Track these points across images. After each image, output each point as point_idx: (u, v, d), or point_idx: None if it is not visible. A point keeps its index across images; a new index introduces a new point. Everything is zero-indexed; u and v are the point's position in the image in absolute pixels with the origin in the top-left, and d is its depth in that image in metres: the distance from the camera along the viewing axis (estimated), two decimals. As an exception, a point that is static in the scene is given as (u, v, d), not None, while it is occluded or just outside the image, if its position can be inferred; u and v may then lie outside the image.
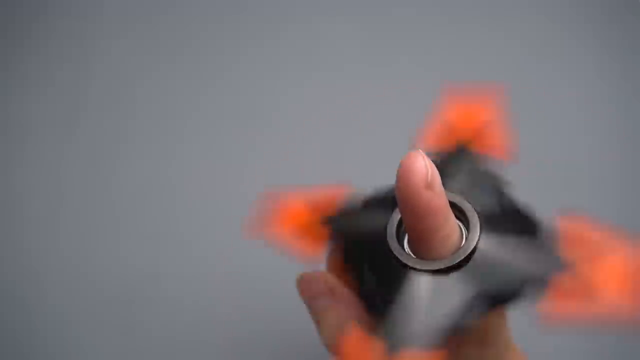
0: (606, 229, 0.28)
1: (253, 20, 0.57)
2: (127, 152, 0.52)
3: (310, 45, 0.55)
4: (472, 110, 0.32)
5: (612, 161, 0.49)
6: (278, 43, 0.56)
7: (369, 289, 0.29)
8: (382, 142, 0.51)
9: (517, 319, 0.42)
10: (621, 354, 0.43)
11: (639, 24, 0.54)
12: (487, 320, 0.29)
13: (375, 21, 0.56)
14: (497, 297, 0.27)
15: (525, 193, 0.47)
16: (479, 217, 0.28)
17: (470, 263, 0.28)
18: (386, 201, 0.30)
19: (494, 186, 0.30)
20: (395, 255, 0.28)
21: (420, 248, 0.28)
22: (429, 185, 0.26)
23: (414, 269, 0.28)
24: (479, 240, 0.28)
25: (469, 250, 0.27)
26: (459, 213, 0.29)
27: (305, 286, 0.32)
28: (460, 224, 0.29)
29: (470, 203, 0.29)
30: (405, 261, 0.28)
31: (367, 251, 0.29)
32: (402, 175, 0.26)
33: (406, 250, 0.29)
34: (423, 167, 0.26)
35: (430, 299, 0.27)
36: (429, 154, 0.31)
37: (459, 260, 0.27)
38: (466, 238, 0.28)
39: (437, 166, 0.27)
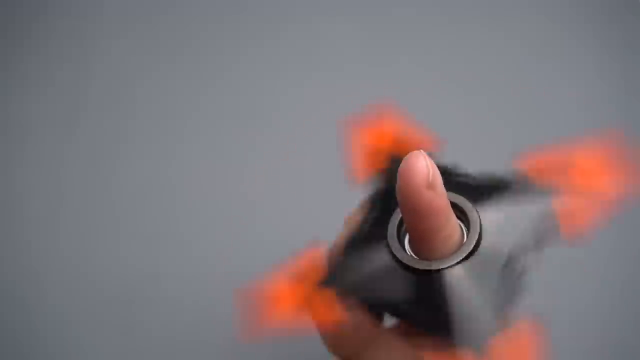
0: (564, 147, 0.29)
1: (253, 20, 0.57)
2: (127, 152, 0.52)
3: (310, 45, 0.55)
4: (380, 128, 0.32)
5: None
6: (278, 43, 0.56)
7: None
8: (382, 142, 0.51)
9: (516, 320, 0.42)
10: (621, 354, 0.44)
11: (639, 24, 0.54)
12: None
13: (375, 21, 0.56)
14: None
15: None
16: (479, 217, 0.28)
17: (471, 262, 0.28)
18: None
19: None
20: (396, 255, 0.28)
21: (422, 248, 0.28)
22: (431, 186, 0.26)
23: (415, 268, 0.28)
24: (480, 240, 0.28)
25: (470, 250, 0.27)
26: (460, 213, 0.29)
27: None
28: (462, 224, 0.29)
29: (471, 203, 0.29)
30: (406, 261, 0.28)
31: (377, 282, 0.29)
32: (404, 175, 0.26)
33: (407, 250, 0.29)
34: (424, 167, 0.26)
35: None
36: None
37: (459, 259, 0.27)
38: (467, 238, 0.28)
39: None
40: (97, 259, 0.48)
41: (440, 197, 0.26)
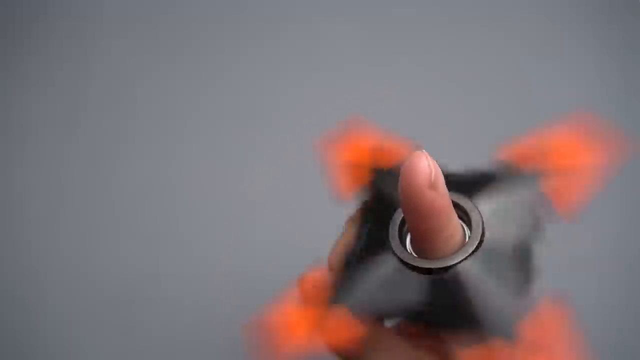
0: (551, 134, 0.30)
1: (253, 20, 0.57)
2: (127, 152, 0.52)
3: (310, 45, 0.55)
4: (355, 143, 0.32)
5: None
6: (278, 43, 0.56)
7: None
8: (382, 142, 0.51)
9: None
10: (621, 354, 0.44)
11: (639, 24, 0.54)
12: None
13: (375, 21, 0.56)
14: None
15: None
16: (481, 217, 0.28)
17: (472, 261, 0.28)
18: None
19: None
20: (397, 254, 0.28)
21: (423, 248, 0.28)
22: (433, 186, 0.26)
23: (416, 267, 0.28)
24: (481, 239, 0.28)
25: (471, 250, 0.27)
26: (462, 213, 0.29)
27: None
28: (463, 224, 0.29)
29: (473, 203, 0.29)
30: (407, 260, 0.28)
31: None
32: (406, 175, 0.26)
33: (408, 249, 0.29)
34: (427, 167, 0.26)
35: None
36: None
37: (460, 259, 0.27)
38: (469, 238, 0.28)
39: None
40: (97, 259, 0.48)
41: (442, 197, 0.26)
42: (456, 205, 0.28)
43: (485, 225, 0.28)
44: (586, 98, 0.52)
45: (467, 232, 0.28)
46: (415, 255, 0.28)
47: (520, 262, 0.28)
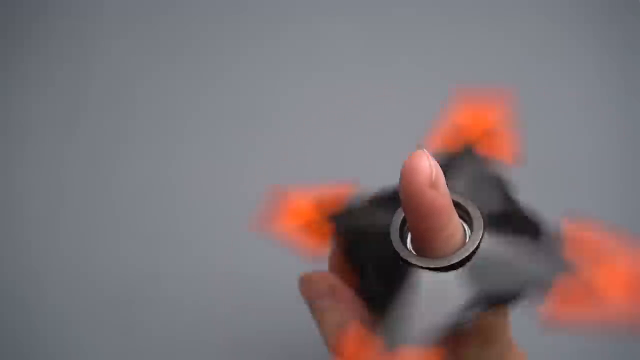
0: (609, 231, 0.29)
1: (253, 20, 0.57)
2: (127, 152, 0.52)
3: (310, 45, 0.55)
4: (481, 112, 0.33)
5: (612, 161, 0.49)
6: (278, 43, 0.56)
7: (370, 287, 0.29)
8: (382, 143, 0.51)
9: (517, 319, 0.42)
10: (621, 354, 0.44)
11: (639, 24, 0.54)
12: (493, 318, 0.29)
13: (375, 21, 0.56)
14: (498, 297, 0.27)
15: (524, 192, 0.47)
16: (482, 217, 0.28)
17: (473, 262, 0.28)
18: (391, 200, 0.30)
19: (498, 188, 0.30)
20: (397, 253, 0.28)
21: (424, 247, 0.28)
22: (433, 185, 0.26)
23: (416, 266, 0.28)
24: (481, 239, 0.28)
25: (472, 250, 0.27)
26: (463, 213, 0.29)
27: (307, 286, 0.32)
28: (464, 224, 0.29)
29: (474, 203, 0.29)
30: (407, 259, 0.28)
31: (371, 250, 0.29)
32: (406, 174, 0.26)
33: (409, 248, 0.29)
34: (427, 166, 0.26)
35: (431, 297, 0.27)
36: (434, 154, 0.31)
37: (460, 258, 0.27)
38: (469, 237, 0.28)
39: (442, 166, 0.27)
40: (97, 259, 0.48)
41: (442, 197, 0.26)
42: (457, 205, 0.28)
43: (484, 241, 0.28)
44: (586, 98, 0.52)
45: (468, 231, 0.28)
46: (415, 254, 0.28)
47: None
